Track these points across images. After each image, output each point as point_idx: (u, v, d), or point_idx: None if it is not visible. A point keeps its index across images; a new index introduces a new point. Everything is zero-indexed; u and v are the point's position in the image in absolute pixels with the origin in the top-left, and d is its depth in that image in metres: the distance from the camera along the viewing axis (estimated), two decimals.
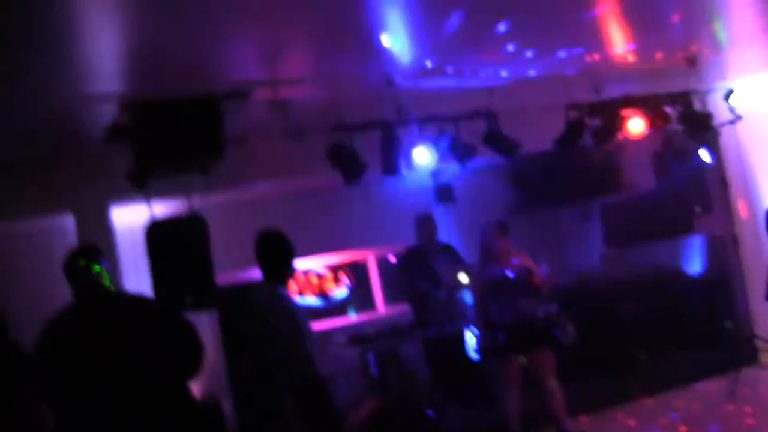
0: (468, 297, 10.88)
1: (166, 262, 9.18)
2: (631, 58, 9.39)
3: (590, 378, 11.10)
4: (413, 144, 9.72)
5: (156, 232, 9.31)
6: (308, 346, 6.76)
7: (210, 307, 9.41)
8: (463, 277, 10.96)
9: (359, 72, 8.19)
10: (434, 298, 11.26)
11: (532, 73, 9.39)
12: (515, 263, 9.55)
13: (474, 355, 10.99)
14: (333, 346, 10.90)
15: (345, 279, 13.53)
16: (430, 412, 10.19)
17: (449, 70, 8.57)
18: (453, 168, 12.53)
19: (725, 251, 12.47)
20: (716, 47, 9.76)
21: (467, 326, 10.79)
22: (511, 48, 8.23)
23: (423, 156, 9.80)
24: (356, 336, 10.87)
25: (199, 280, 9.15)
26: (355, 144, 9.27)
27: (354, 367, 11.81)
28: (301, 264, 12.97)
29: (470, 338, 11.62)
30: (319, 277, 13.38)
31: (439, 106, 9.70)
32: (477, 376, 10.89)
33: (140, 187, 8.40)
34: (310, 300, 13.20)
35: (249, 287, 7.88)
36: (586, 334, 10.49)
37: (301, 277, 13.18)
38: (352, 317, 13.36)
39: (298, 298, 13.00)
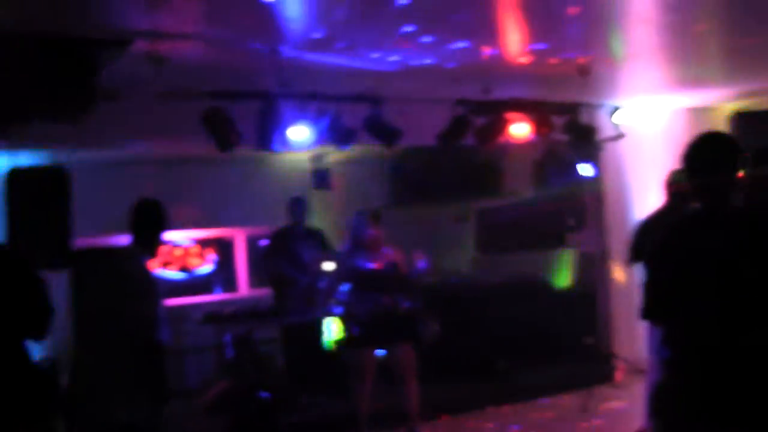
0: (332, 285, 10.66)
1: (22, 213, 8.77)
2: (524, 60, 9.21)
3: (450, 381, 10.96)
4: (292, 121, 9.39)
5: (15, 180, 8.90)
6: (155, 312, 6.68)
7: (64, 267, 8.96)
8: (328, 265, 10.72)
9: (246, 36, 7.81)
10: (296, 283, 11.00)
11: (424, 62, 9.12)
12: (384, 255, 9.27)
13: (330, 345, 10.85)
14: (189, 323, 10.62)
15: (211, 255, 13.18)
16: (265, 394, 9.86)
17: (338, 45, 8.24)
18: (334, 154, 12.44)
19: (594, 268, 12.43)
20: (610, 60, 9.64)
21: (327, 315, 10.57)
22: (408, 29, 7.93)
23: (300, 134, 9.49)
24: (212, 315, 10.55)
25: (56, 237, 8.77)
26: (233, 113, 8.93)
27: (210, 347, 11.58)
28: (168, 235, 12.62)
29: (328, 328, 11.49)
30: (185, 250, 13.00)
31: (323, 85, 9.41)
32: (332, 367, 10.73)
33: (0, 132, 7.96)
34: (173, 273, 12.81)
35: (107, 250, 7.57)
36: (450, 338, 10.42)
37: (165, 249, 12.77)
38: (214, 295, 13.01)
39: (161, 271, 12.62)
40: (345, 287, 9.48)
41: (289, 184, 12.46)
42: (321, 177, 12.62)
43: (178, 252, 12.93)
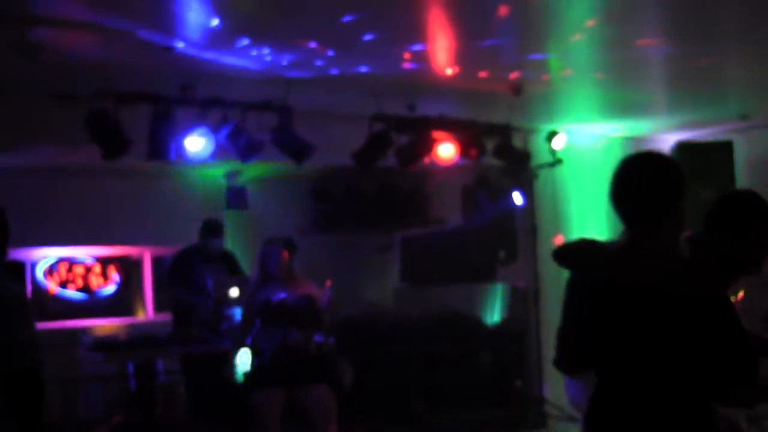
0: (239, 314, 9.83)
1: None
2: (451, 71, 8.43)
3: (362, 423, 10.06)
4: (189, 129, 8.50)
5: None
6: (26, 335, 6.17)
7: None
8: (234, 292, 9.87)
9: (137, 26, 6.94)
10: (199, 310, 10.11)
11: (341, 69, 8.32)
12: (296, 287, 8.38)
13: (240, 379, 10.05)
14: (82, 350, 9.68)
15: (115, 275, 12.24)
16: None
17: (242, 43, 7.40)
18: (250, 171, 11.63)
19: (525, 303, 11.65)
20: (546, 78, 8.91)
21: (237, 347, 9.73)
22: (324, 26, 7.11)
23: (197, 144, 8.59)
24: (103, 342, 9.57)
25: None
26: (122, 117, 8.02)
27: (112, 375, 10.71)
28: (67, 252, 11.77)
29: (241, 360, 10.67)
30: (86, 268, 12.05)
31: (225, 90, 8.53)
32: (240, 403, 9.83)
33: None
34: (72, 293, 11.86)
35: None
36: (366, 375, 9.56)
37: (63, 267, 11.83)
38: (116, 319, 12.09)
39: (59, 290, 11.71)
40: (250, 319, 8.52)
41: (203, 202, 11.65)
42: (236, 196, 11.86)
43: (78, 270, 11.97)
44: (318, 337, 8.47)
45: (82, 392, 11.15)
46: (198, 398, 10.11)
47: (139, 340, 9.67)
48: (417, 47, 7.80)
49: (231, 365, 10.21)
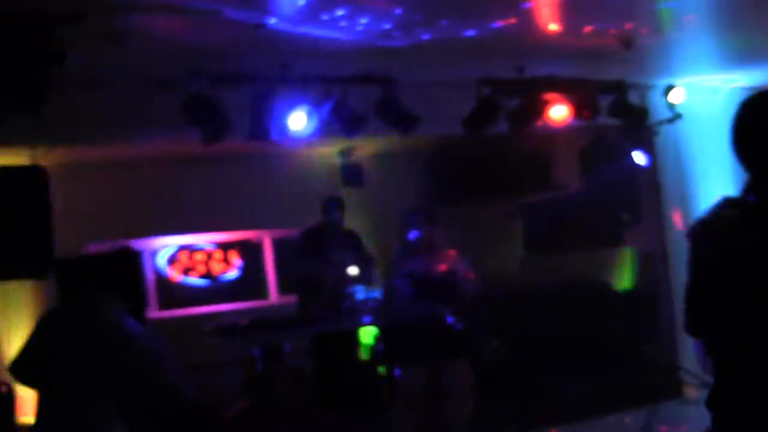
0: (361, 291, 9.69)
1: None
2: (554, 27, 8.07)
3: (490, 398, 9.79)
4: (290, 107, 8.35)
5: None
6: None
7: (44, 278, 8.12)
8: (354, 270, 9.75)
9: (223, 5, 6.79)
10: (324, 289, 10.01)
11: (443, 35, 8.03)
12: (442, 259, 8.15)
13: (366, 358, 9.91)
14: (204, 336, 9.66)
15: (236, 260, 12.22)
16: None
17: (337, 17, 7.19)
18: (365, 148, 11.49)
19: (654, 268, 11.18)
20: (658, 30, 8.46)
21: (362, 324, 9.61)
22: None
23: (300, 121, 8.44)
24: (225, 327, 9.53)
25: (34, 245, 7.95)
26: (220, 99, 7.91)
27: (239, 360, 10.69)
28: (187, 239, 11.81)
29: (366, 338, 10.54)
30: (207, 255, 12.06)
31: (323, 65, 8.35)
32: (366, 382, 9.91)
33: None
34: (195, 280, 11.89)
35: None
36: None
37: (185, 255, 11.86)
38: (241, 303, 12.07)
39: (182, 277, 11.76)
40: (394, 295, 8.33)
41: (318, 182, 11.56)
42: (352, 173, 11.74)
43: (199, 257, 11.99)
44: (464, 314, 8.27)
45: (210, 378, 11.18)
46: (326, 378, 9.99)
47: (258, 323, 9.64)
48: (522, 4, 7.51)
49: (357, 343, 10.19)
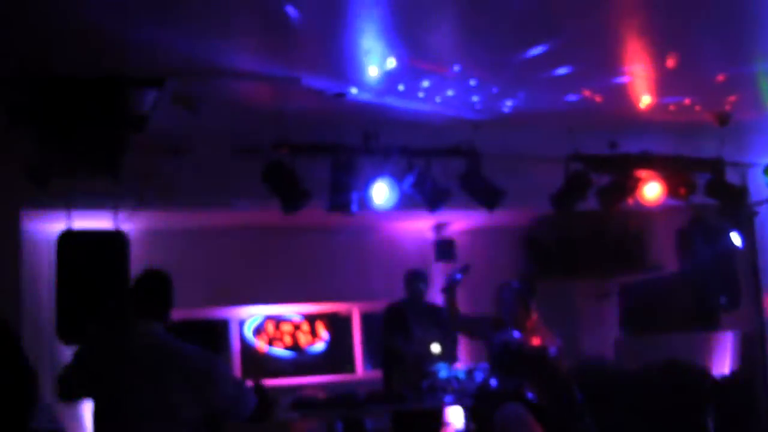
0: (444, 369, 9.45)
1: (75, 278, 8.04)
2: (646, 100, 7.84)
3: None
4: (373, 178, 8.24)
5: (68, 244, 8.17)
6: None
7: None
8: (436, 348, 9.52)
9: (303, 73, 6.75)
10: (406, 365, 9.79)
11: (533, 107, 7.88)
12: (530, 334, 7.91)
13: None
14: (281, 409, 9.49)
15: (323, 332, 12.08)
16: None
17: (421, 86, 7.10)
18: (458, 223, 11.34)
19: (753, 352, 10.73)
20: (757, 104, 8.19)
21: (444, 403, 9.36)
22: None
23: (382, 194, 8.30)
24: (303, 400, 9.34)
25: (112, 304, 7.96)
26: (301, 168, 7.83)
27: None
28: (274, 309, 11.72)
29: (454, 417, 10.30)
30: (294, 326, 11.94)
31: (406, 136, 8.23)
32: None
33: (41, 184, 7.17)
34: (281, 351, 11.77)
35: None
36: None
37: (272, 325, 11.76)
38: (327, 376, 11.90)
39: (267, 348, 11.66)
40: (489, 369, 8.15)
41: (410, 256, 11.36)
42: (444, 247, 11.56)
43: (286, 328, 11.87)
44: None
45: None
46: None
47: (336, 398, 9.42)
48: (614, 80, 7.33)
49: (438, 423, 9.94)
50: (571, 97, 7.85)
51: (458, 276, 8.43)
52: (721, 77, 7.56)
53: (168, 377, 5.02)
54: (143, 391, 4.99)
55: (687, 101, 8.11)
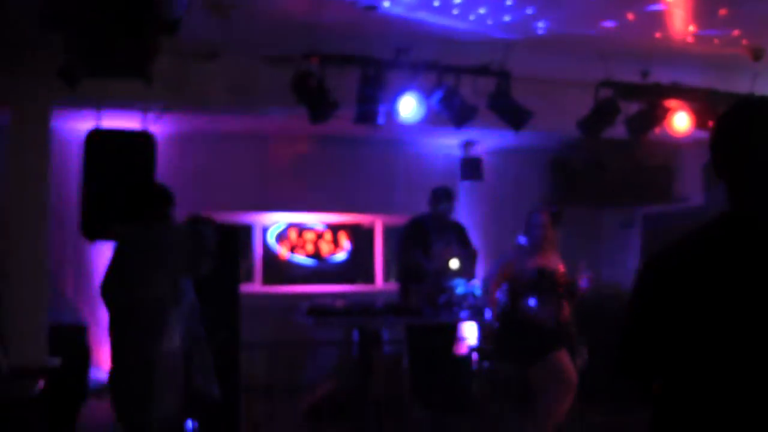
0: (461, 285, 9.50)
1: (101, 177, 8.12)
2: (687, 32, 7.77)
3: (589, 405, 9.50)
4: (399, 92, 8.22)
5: (96, 142, 8.25)
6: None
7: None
8: (455, 264, 9.55)
9: None
10: (424, 280, 9.85)
11: (566, 30, 7.80)
12: (555, 261, 8.05)
13: (465, 352, 9.84)
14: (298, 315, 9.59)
15: (345, 242, 12.14)
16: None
17: (458, 7, 7.05)
18: (486, 142, 11.31)
19: None
20: None
21: (459, 319, 9.46)
22: None
23: (409, 108, 8.30)
24: (319, 307, 9.43)
25: (136, 211, 8.03)
26: (331, 80, 7.84)
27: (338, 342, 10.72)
28: (298, 217, 11.78)
29: (468, 332, 10.40)
30: (317, 235, 12.01)
31: (437, 53, 8.18)
32: (461, 377, 9.76)
33: (71, 84, 7.19)
34: (303, 259, 11.85)
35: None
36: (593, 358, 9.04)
37: (295, 232, 11.84)
38: (347, 286, 11.99)
39: (290, 255, 11.75)
40: (513, 292, 8.13)
41: (436, 172, 11.40)
42: (471, 167, 11.56)
43: (309, 236, 11.94)
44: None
45: (309, 356, 11.18)
46: (419, 370, 9.86)
47: (353, 307, 9.49)
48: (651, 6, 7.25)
49: (452, 337, 10.03)
50: (606, 23, 7.75)
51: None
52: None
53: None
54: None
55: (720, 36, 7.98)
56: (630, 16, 7.49)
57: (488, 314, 8.57)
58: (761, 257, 2.66)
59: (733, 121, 2.86)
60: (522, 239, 8.12)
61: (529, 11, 7.42)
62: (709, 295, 2.68)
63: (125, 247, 5.81)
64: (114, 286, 5.68)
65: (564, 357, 7.80)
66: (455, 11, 7.29)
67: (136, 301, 5.58)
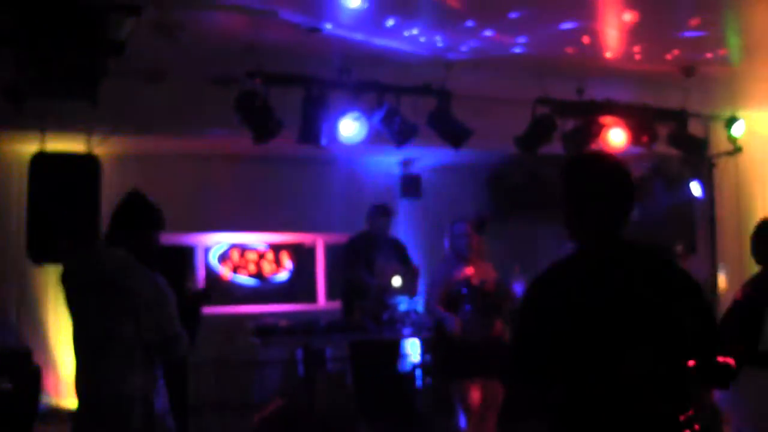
0: (404, 302, 9.63)
1: (46, 199, 8.15)
2: (613, 53, 7.98)
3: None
4: (342, 112, 8.36)
5: (41, 165, 8.29)
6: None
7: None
8: (397, 281, 9.67)
9: (279, 7, 6.82)
10: (367, 297, 9.96)
11: (503, 50, 7.97)
12: (484, 271, 8.02)
13: (408, 368, 9.94)
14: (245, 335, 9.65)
15: (287, 262, 12.24)
16: None
17: (388, 24, 7.18)
18: (424, 159, 11.45)
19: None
20: (725, 61, 8.31)
21: (402, 336, 9.57)
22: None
23: (351, 128, 8.43)
24: (265, 327, 9.50)
25: (82, 226, 8.08)
26: (273, 100, 7.94)
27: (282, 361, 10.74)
28: (240, 238, 11.85)
29: (411, 349, 10.48)
30: (259, 255, 12.09)
31: (378, 73, 8.34)
32: (405, 393, 9.93)
33: (17, 104, 7.19)
34: (245, 279, 11.92)
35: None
36: None
37: (237, 253, 11.91)
38: (289, 305, 12.06)
39: (232, 275, 11.80)
40: (440, 305, 8.15)
41: (376, 190, 11.49)
42: (410, 185, 11.72)
43: (251, 256, 12.02)
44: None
45: (255, 376, 11.22)
46: (363, 387, 9.95)
47: (297, 326, 9.59)
48: (573, 24, 7.43)
49: (396, 354, 10.13)
50: (539, 43, 7.94)
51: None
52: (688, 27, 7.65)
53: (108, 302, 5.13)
54: (89, 315, 5.17)
55: (651, 53, 8.19)
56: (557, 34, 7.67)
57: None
58: (597, 282, 3.48)
59: (568, 175, 3.75)
60: (447, 250, 8.16)
61: (462, 32, 7.58)
62: (567, 311, 3.43)
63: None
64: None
65: (469, 390, 7.77)
66: (400, 32, 7.42)
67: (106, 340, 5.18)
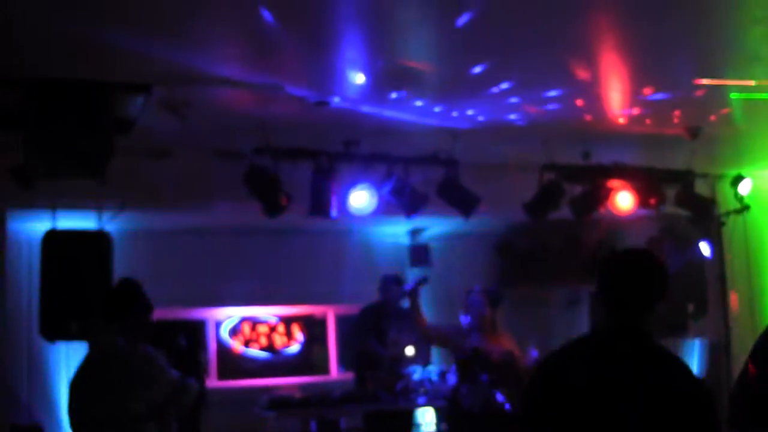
0: (418, 371, 9.62)
1: (59, 277, 8.18)
2: (621, 119, 8.03)
3: None
4: (353, 184, 8.41)
5: (52, 243, 8.32)
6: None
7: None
8: (410, 351, 9.67)
9: (286, 82, 6.88)
10: (380, 367, 9.95)
11: (509, 118, 8.02)
12: (495, 343, 8.00)
13: None
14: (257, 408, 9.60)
15: (298, 334, 12.22)
16: None
17: (392, 97, 7.25)
18: (433, 228, 11.48)
19: (717, 361, 10.92)
20: (728, 122, 8.35)
21: (417, 405, 9.55)
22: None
23: (362, 200, 8.48)
24: (278, 400, 9.48)
25: (94, 304, 8.08)
26: (283, 174, 8.01)
27: None
28: (251, 311, 11.85)
29: (426, 418, 10.44)
30: (270, 328, 12.08)
31: (387, 144, 8.41)
32: None
33: (25, 186, 7.27)
34: (256, 352, 11.90)
35: None
36: None
37: (247, 326, 11.90)
38: (301, 378, 12.01)
39: (243, 349, 11.77)
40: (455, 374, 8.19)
41: (386, 260, 11.55)
42: (420, 254, 11.73)
43: (262, 329, 12.01)
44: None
45: None
46: None
47: (311, 398, 9.58)
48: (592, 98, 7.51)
49: (411, 424, 10.08)
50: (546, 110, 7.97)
51: (408, 287, 8.51)
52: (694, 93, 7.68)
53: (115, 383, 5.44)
54: (96, 400, 5.56)
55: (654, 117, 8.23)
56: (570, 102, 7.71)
57: None
58: (604, 370, 3.57)
59: (603, 267, 3.84)
60: (463, 318, 8.16)
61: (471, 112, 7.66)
62: (571, 396, 3.58)
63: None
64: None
65: None
66: (407, 105, 7.47)
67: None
